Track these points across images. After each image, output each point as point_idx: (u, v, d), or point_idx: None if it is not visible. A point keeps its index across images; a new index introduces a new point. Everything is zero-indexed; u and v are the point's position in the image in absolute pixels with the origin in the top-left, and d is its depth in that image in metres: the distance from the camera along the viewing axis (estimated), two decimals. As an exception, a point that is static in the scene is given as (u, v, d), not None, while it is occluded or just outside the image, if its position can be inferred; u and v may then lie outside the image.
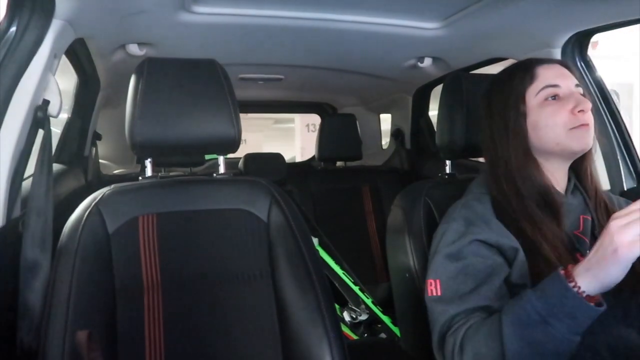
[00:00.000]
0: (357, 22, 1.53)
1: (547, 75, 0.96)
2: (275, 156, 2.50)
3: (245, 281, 1.05)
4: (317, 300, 1.01)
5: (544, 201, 0.93)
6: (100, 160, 2.33)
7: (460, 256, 0.90)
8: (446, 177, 1.30)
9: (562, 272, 0.74)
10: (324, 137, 2.50)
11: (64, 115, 1.85)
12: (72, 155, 1.82)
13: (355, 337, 1.91)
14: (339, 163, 2.65)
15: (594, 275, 0.71)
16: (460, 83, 1.19)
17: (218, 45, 1.70)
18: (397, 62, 1.97)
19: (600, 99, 1.47)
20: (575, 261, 0.87)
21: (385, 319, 1.94)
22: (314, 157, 2.84)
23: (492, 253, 0.90)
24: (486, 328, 0.80)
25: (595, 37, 1.44)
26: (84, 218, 0.98)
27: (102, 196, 1.02)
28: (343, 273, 1.99)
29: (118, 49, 1.63)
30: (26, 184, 1.06)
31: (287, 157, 2.60)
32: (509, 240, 0.91)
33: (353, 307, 1.96)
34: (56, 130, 1.75)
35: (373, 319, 1.94)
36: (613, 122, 1.47)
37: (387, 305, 1.92)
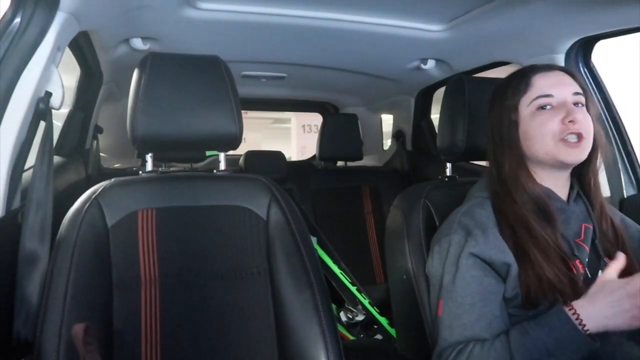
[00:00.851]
0: (362, 22, 1.53)
1: (541, 84, 0.95)
2: (276, 154, 2.50)
3: (242, 278, 1.05)
4: (314, 299, 1.02)
5: (537, 207, 0.94)
6: (101, 154, 2.33)
7: (459, 273, 0.91)
8: (446, 179, 1.30)
9: (568, 309, 0.82)
10: (326, 137, 2.50)
11: (66, 108, 1.85)
12: (73, 148, 1.81)
13: (351, 337, 1.91)
14: (339, 163, 2.65)
15: (605, 325, 0.80)
16: (462, 86, 1.19)
17: (222, 42, 1.70)
18: (401, 63, 1.97)
19: (603, 105, 1.47)
20: (568, 268, 0.89)
21: (382, 320, 1.93)
22: (314, 156, 2.84)
23: (484, 274, 0.91)
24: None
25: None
26: (84, 211, 0.98)
27: (102, 189, 1.02)
28: (341, 273, 1.99)
29: (122, 43, 1.63)
30: (26, 176, 1.06)
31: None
32: (502, 255, 0.91)
33: (350, 308, 1.96)
34: (57, 122, 1.75)
35: (370, 320, 1.94)
36: (615, 129, 1.47)
37: (384, 307, 1.92)
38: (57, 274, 0.92)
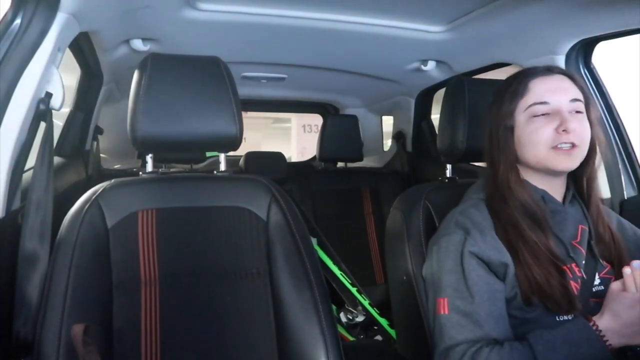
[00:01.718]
0: (362, 23, 1.53)
1: (538, 90, 0.95)
2: (276, 155, 2.50)
3: (242, 279, 1.05)
4: (314, 300, 1.01)
5: (527, 211, 0.94)
6: (101, 155, 2.33)
7: (464, 272, 0.91)
8: (446, 180, 1.30)
9: (591, 323, 0.83)
10: (326, 138, 2.50)
11: (66, 109, 1.85)
12: (73, 149, 1.82)
13: (351, 338, 1.91)
14: (339, 164, 2.65)
15: (626, 341, 0.82)
16: (463, 87, 1.19)
17: (222, 43, 1.70)
18: (401, 64, 1.97)
19: (603, 106, 1.47)
20: (560, 272, 0.89)
21: (382, 321, 1.93)
22: (314, 157, 2.84)
23: (487, 273, 0.91)
24: None
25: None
26: (84, 211, 0.98)
27: (102, 190, 1.02)
28: (341, 274, 1.99)
29: (122, 43, 1.63)
30: (26, 176, 1.06)
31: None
32: (500, 255, 0.91)
33: (350, 309, 1.95)
34: (58, 123, 1.75)
35: (370, 321, 1.94)
36: (615, 130, 1.47)
37: (384, 308, 1.91)
38: (57, 274, 0.92)
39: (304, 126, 8.65)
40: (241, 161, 2.47)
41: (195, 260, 1.05)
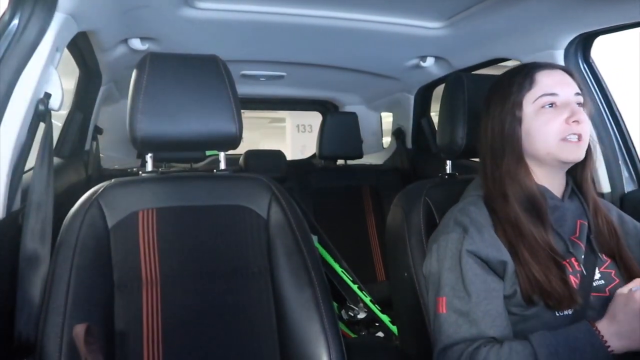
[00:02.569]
0: (360, 20, 1.53)
1: (546, 82, 0.95)
2: (276, 153, 2.50)
3: (243, 277, 1.05)
4: (315, 297, 1.02)
5: (530, 205, 0.94)
6: (100, 155, 2.33)
7: (462, 271, 0.91)
8: (446, 177, 1.30)
9: (594, 329, 0.83)
10: (325, 135, 2.50)
11: (64, 110, 1.85)
12: (72, 149, 1.81)
13: (353, 335, 1.92)
14: (339, 161, 2.65)
15: (628, 347, 0.81)
16: (462, 83, 1.19)
17: (220, 42, 1.70)
18: (400, 61, 1.97)
19: (603, 101, 1.47)
20: (560, 268, 0.89)
21: (384, 318, 1.94)
22: (314, 154, 2.84)
23: (485, 272, 0.91)
24: None
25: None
26: (84, 211, 0.98)
27: (103, 190, 1.02)
28: (342, 271, 1.99)
29: (120, 43, 1.63)
30: (26, 177, 1.06)
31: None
32: (498, 253, 0.91)
33: (351, 306, 1.96)
34: (57, 123, 1.75)
35: (371, 317, 1.94)
36: (615, 125, 1.47)
37: (385, 305, 1.92)
38: (58, 274, 0.92)
39: (297, 126, 8.71)
40: (241, 160, 2.47)
41: (196, 260, 1.05)
